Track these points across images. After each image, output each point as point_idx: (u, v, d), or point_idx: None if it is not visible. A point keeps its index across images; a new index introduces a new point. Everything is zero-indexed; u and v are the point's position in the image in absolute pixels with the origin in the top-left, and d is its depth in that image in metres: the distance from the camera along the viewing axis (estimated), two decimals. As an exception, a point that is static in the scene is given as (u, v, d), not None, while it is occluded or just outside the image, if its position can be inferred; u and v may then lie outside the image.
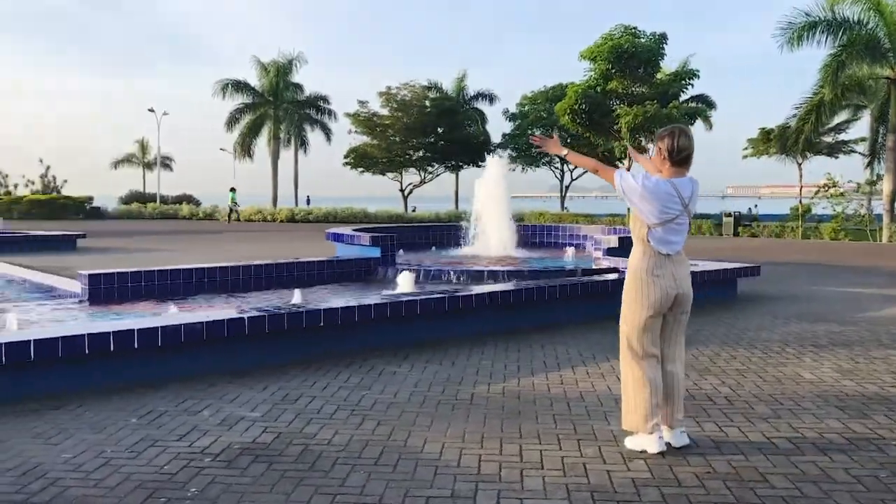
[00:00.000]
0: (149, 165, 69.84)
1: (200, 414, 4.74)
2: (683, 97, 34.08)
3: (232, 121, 49.51)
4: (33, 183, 56.27)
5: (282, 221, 39.63)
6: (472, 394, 5.27)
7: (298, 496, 3.47)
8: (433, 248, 15.44)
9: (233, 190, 41.33)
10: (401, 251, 14.49)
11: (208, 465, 3.86)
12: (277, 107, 49.85)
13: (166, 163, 73.86)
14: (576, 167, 46.20)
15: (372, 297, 7.19)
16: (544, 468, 3.85)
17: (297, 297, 8.69)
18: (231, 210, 40.90)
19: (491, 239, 13.91)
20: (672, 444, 4.18)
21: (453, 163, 49.19)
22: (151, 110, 53.80)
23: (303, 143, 52.68)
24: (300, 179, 52.98)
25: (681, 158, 4.11)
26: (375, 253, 11.80)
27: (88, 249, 18.44)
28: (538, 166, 50.47)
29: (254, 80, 50.25)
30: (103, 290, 9.23)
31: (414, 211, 48.10)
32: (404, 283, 9.36)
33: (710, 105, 39.26)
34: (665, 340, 4.25)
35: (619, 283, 8.72)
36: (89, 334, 5.19)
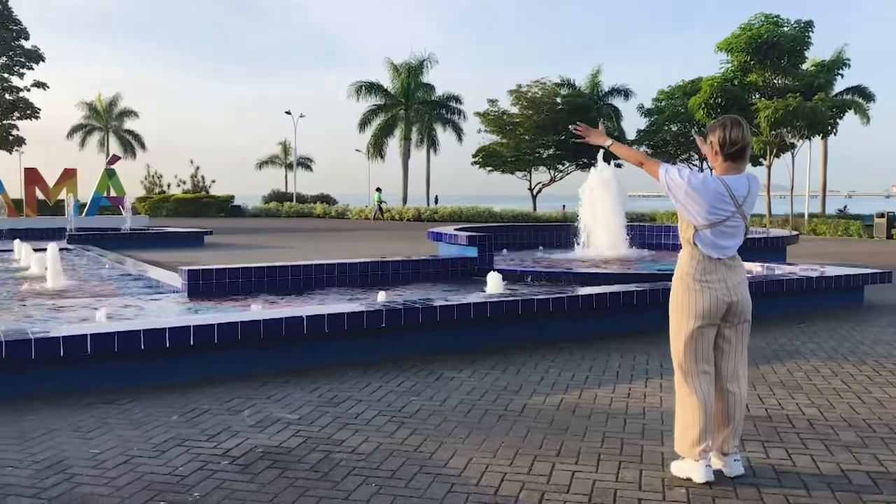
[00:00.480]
0: (290, 166, 72.92)
1: (241, 414, 4.69)
2: (835, 89, 31.82)
3: (365, 122, 50.75)
4: (185, 183, 59.75)
5: (408, 220, 40.16)
6: (525, 405, 4.96)
7: (295, 508, 3.31)
8: (540, 248, 15.06)
9: (378, 190, 42.16)
10: (504, 251, 14.30)
11: (223, 468, 3.78)
12: (408, 107, 50.62)
13: (306, 163, 77.02)
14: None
15: (436, 300, 6.98)
16: (570, 492, 3.52)
17: (381, 297, 8.60)
18: (378, 209, 41.58)
19: (601, 240, 13.36)
20: (724, 473, 3.73)
21: (585, 161, 48.32)
22: (288, 112, 55.93)
23: (433, 143, 53.29)
24: (431, 179, 53.58)
25: (734, 152, 3.64)
26: (472, 253, 11.59)
27: (214, 245, 19.29)
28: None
29: (386, 81, 51.30)
30: (202, 286, 9.51)
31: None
32: (492, 283, 9.11)
33: (868, 97, 36.48)
34: (722, 356, 3.78)
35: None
36: (145, 330, 5.27)
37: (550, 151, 47.52)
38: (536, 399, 5.09)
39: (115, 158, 31.33)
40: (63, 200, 28.97)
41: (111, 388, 5.15)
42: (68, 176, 29.12)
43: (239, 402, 4.96)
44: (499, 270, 9.99)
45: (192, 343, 5.43)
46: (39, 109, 50.41)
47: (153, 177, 60.51)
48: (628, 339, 7.03)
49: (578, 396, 5.17)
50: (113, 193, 29.82)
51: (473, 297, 7.15)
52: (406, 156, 51.46)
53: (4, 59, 48.82)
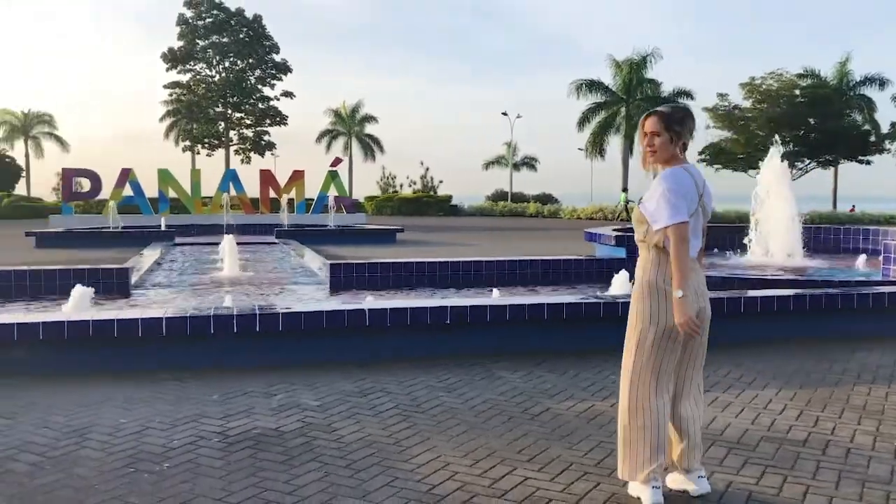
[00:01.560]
0: (516, 166, 74.18)
1: (272, 398, 5.02)
2: None
3: (583, 120, 50.29)
4: (415, 183, 62.79)
5: (618, 218, 39.22)
6: (548, 409, 4.82)
7: (233, 485, 3.54)
8: (715, 250, 14.16)
9: (625, 190, 40.59)
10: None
11: (208, 445, 4.11)
12: (630, 104, 49.42)
13: (531, 163, 77.70)
14: None
15: (514, 298, 6.91)
16: (502, 497, 3.43)
17: (495, 294, 8.65)
18: (624, 209, 38.94)
19: (771, 243, 12.32)
20: (689, 493, 3.44)
21: (827, 157, 44.43)
22: (504, 114, 56.81)
23: (658, 139, 51.54)
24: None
25: (686, 144, 3.38)
26: (621, 253, 11.23)
27: (404, 242, 20.23)
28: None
29: (608, 78, 50.45)
30: (342, 279, 10.12)
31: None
32: (617, 284, 8.84)
33: None
34: (684, 368, 3.48)
35: (868, 297, 7.29)
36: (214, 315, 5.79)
37: (787, 148, 44.12)
38: (564, 404, 4.93)
39: (338, 161, 33.70)
40: (293, 199, 31.82)
41: (194, 368, 5.71)
42: (297, 177, 31.88)
43: (281, 386, 5.29)
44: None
45: (280, 329, 5.86)
46: (287, 117, 55.60)
47: (388, 178, 64.21)
48: (728, 351, 6.51)
49: (611, 405, 4.93)
50: (335, 193, 32.12)
51: (569, 297, 6.99)
52: (626, 153, 50.29)
53: (258, 72, 54.45)
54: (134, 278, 10.23)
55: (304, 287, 10.45)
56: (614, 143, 51.25)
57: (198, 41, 53.24)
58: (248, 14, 53.77)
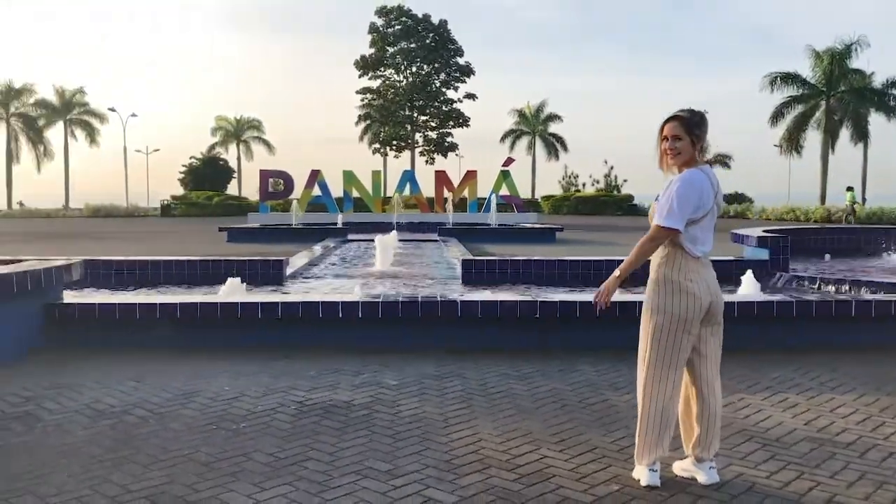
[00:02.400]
0: (708, 164, 71.31)
1: (358, 377, 5.59)
2: None
3: (777, 115, 47.59)
4: (598, 182, 62.11)
5: (815, 221, 36.78)
6: (605, 400, 5.03)
7: (288, 444, 4.13)
8: (890, 253, 13.22)
9: (850, 189, 36.67)
10: (827, 256, 12.96)
11: (282, 412, 4.74)
12: (831, 98, 46.16)
13: (724, 161, 74.30)
14: None
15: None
16: (513, 470, 3.75)
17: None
18: (850, 210, 35.75)
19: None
20: (699, 481, 3.60)
21: None
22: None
23: (863, 134, 47.84)
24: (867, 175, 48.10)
25: (704, 147, 3.60)
26: (764, 255, 10.86)
27: (564, 241, 20.41)
28: None
29: (805, 70, 47.39)
30: (474, 274, 10.62)
31: None
32: (745, 284, 8.70)
33: None
34: (700, 360, 3.63)
35: None
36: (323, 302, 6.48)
37: None
38: (624, 397, 5.09)
39: (509, 161, 34.30)
40: (465, 198, 32.82)
41: (303, 346, 6.43)
42: (470, 177, 32.86)
43: (373, 367, 5.84)
44: (795, 275, 9.44)
45: (379, 316, 6.48)
46: (469, 118, 57.05)
47: (570, 177, 64.00)
48: (792, 355, 6.33)
49: (672, 399, 5.04)
50: (506, 192, 32.76)
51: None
52: (826, 149, 47.02)
53: (443, 75, 56.34)
54: (290, 270, 11.30)
55: (439, 281, 11.05)
56: (812, 138, 48.13)
57: (387, 48, 55.96)
58: (434, 20, 55.76)
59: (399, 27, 55.65)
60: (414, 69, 56.47)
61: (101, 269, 9.66)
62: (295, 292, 9.43)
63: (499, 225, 23.83)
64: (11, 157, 56.61)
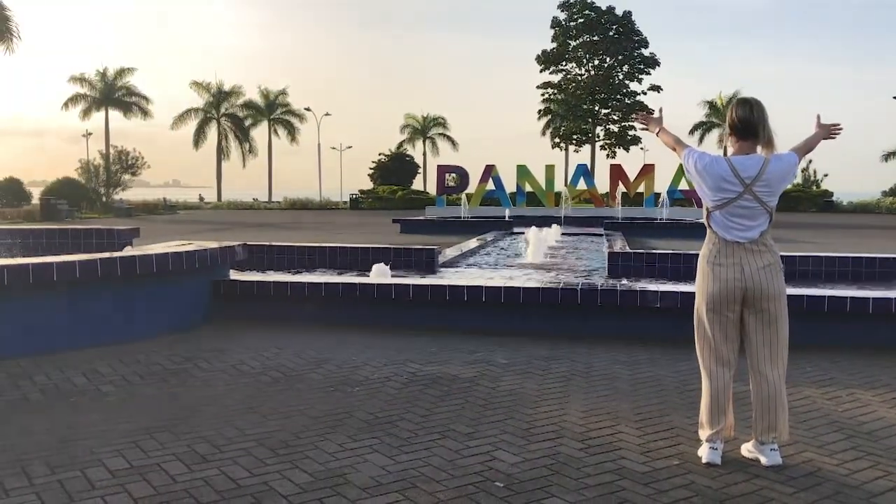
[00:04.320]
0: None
1: (473, 355, 5.98)
2: None
3: None
4: (795, 177, 58.45)
5: None
6: (678, 382, 5.10)
7: (391, 406, 4.61)
8: None
9: None
10: None
11: (394, 380, 5.23)
12: None
13: (942, 153, 67.37)
14: None
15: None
16: (583, 440, 4.01)
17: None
18: None
19: None
20: (762, 462, 3.69)
21: None
22: (896, 97, 50.11)
23: None
24: None
25: (741, 131, 3.64)
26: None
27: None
28: None
29: None
30: (620, 267, 10.69)
31: None
32: None
33: None
34: (748, 343, 3.74)
35: None
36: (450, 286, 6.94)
37: None
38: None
39: (689, 154, 33.14)
40: (641, 193, 32.20)
41: (436, 327, 6.94)
42: (647, 171, 32.19)
43: (491, 347, 6.21)
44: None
45: (502, 301, 6.86)
46: (654, 111, 55.38)
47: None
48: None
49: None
50: (685, 187, 31.75)
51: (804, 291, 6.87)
52: None
53: (626, 67, 55.25)
54: (445, 259, 11.90)
55: (583, 273, 11.20)
56: None
57: (569, 41, 55.69)
58: (619, 11, 54.83)
59: (582, 20, 55.18)
60: (596, 62, 55.80)
61: (266, 253, 10.70)
62: (439, 278, 9.98)
63: (667, 220, 23.30)
64: (222, 154, 62.12)
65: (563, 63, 56.48)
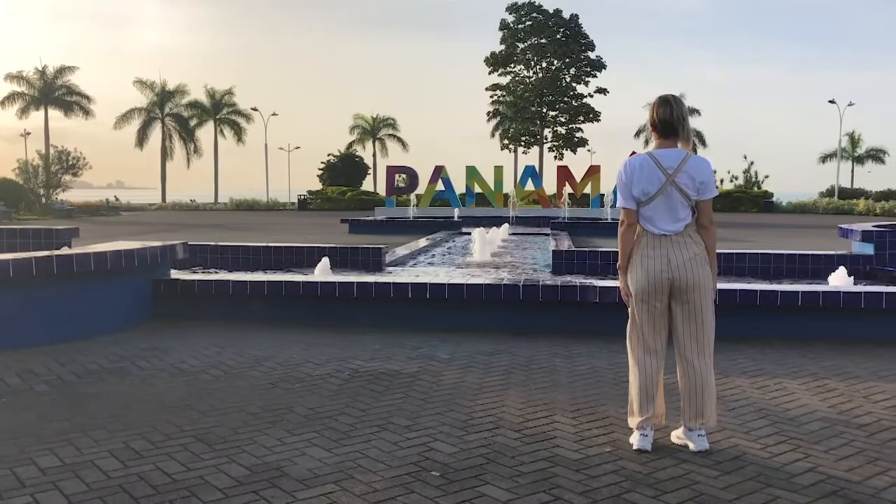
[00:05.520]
0: (859, 160, 67.55)
1: (417, 350, 6.02)
2: None
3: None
4: (737, 178, 59.90)
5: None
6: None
7: (330, 401, 4.62)
8: None
9: None
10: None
11: (335, 376, 5.25)
12: None
13: (877, 156, 69.72)
14: None
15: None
16: (519, 430, 4.08)
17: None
18: None
19: None
20: (690, 448, 3.81)
21: None
22: (832, 101, 51.87)
23: None
24: None
25: (662, 130, 3.80)
26: (869, 250, 10.47)
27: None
28: None
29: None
30: (564, 264, 10.84)
31: None
32: (837, 276, 8.56)
33: None
34: (675, 333, 3.87)
35: None
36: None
37: None
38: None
39: (633, 155, 33.71)
40: (588, 194, 32.64)
41: (382, 325, 6.96)
42: (592, 172, 32.64)
43: (435, 343, 6.25)
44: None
45: (445, 297, 6.92)
46: (599, 113, 56.38)
47: (706, 172, 61.99)
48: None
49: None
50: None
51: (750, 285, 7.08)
52: None
53: (573, 70, 55.99)
54: (393, 258, 11.92)
55: (528, 270, 11.34)
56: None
57: (517, 44, 56.22)
58: (566, 14, 55.54)
59: (530, 23, 55.78)
60: (544, 64, 56.46)
61: (210, 252, 10.58)
62: (384, 275, 9.99)
63: (613, 220, 23.66)
64: (166, 155, 61.03)
65: (512, 65, 57.00)
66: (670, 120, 3.75)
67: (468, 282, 7.07)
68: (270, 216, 38.48)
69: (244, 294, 7.15)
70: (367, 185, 62.95)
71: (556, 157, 57.21)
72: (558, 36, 55.50)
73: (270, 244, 11.40)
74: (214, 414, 4.38)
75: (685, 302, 3.79)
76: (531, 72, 56.85)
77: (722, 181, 60.05)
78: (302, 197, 49.80)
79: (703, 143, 66.88)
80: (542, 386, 5.03)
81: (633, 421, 3.90)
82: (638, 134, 68.71)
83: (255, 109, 63.82)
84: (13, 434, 3.99)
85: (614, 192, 27.22)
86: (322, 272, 9.04)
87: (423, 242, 15.67)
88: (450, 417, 4.32)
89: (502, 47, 56.56)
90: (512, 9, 56.20)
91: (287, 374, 5.29)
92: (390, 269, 11.36)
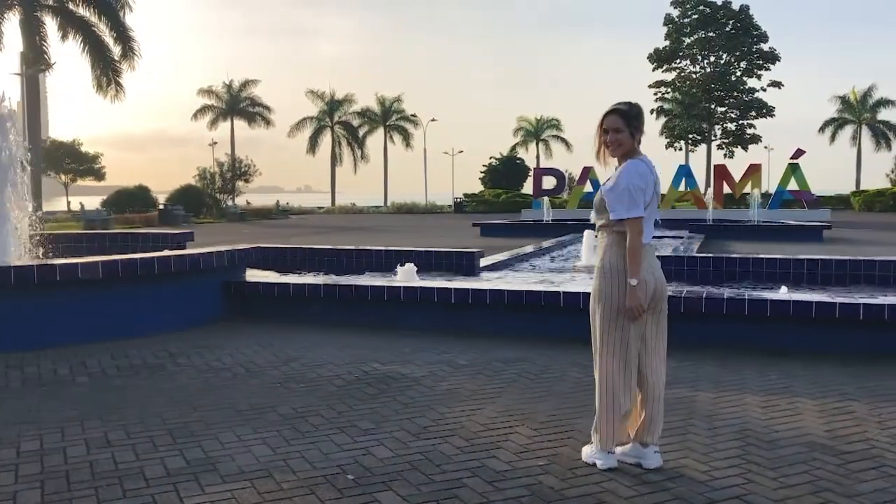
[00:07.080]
0: None
1: (440, 356, 6.12)
2: None
3: None
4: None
5: None
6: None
7: (324, 401, 4.83)
8: None
9: None
10: None
11: (343, 377, 5.44)
12: None
13: None
14: None
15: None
16: (478, 434, 4.09)
17: (782, 290, 8.26)
18: None
19: None
20: (643, 465, 3.67)
21: None
22: None
23: None
24: None
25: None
26: None
27: (833, 239, 18.65)
28: None
29: None
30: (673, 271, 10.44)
31: None
32: None
33: None
34: (643, 345, 3.69)
35: None
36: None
37: None
38: (683, 393, 5.02)
39: (799, 153, 31.54)
40: (748, 194, 30.94)
41: (421, 328, 7.11)
42: (753, 171, 30.92)
43: (460, 349, 6.32)
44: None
45: (487, 302, 6.97)
46: (773, 108, 53.12)
47: (900, 170, 57.20)
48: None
49: (695, 394, 4.92)
50: (795, 187, 30.30)
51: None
52: None
53: (744, 63, 53.11)
54: (495, 261, 12.01)
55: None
56: None
57: (683, 38, 54.16)
58: (735, 5, 52.83)
59: (696, 16, 53.57)
60: (712, 59, 54.03)
61: (289, 255, 11.07)
62: (460, 280, 10.10)
63: (760, 222, 22.30)
64: (335, 161, 64.28)
65: (677, 61, 54.99)
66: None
67: (518, 288, 7.04)
68: (423, 219, 39.54)
69: (303, 296, 7.53)
70: (527, 187, 63.13)
71: (725, 155, 54.58)
72: (727, 28, 52.89)
73: (362, 248, 11.81)
74: (205, 409, 4.70)
75: (660, 311, 3.68)
76: (698, 67, 54.58)
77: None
78: (458, 200, 50.73)
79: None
80: (535, 395, 4.96)
81: (609, 443, 3.68)
82: (823, 129, 64.25)
83: (414, 116, 65.73)
84: (24, 419, 4.50)
85: (777, 193, 25.60)
86: (406, 276, 9.28)
87: (540, 245, 15.56)
88: (413, 424, 4.39)
89: (667, 42, 54.70)
90: (677, 3, 54.23)
91: (300, 375, 5.55)
92: (488, 273, 11.44)
